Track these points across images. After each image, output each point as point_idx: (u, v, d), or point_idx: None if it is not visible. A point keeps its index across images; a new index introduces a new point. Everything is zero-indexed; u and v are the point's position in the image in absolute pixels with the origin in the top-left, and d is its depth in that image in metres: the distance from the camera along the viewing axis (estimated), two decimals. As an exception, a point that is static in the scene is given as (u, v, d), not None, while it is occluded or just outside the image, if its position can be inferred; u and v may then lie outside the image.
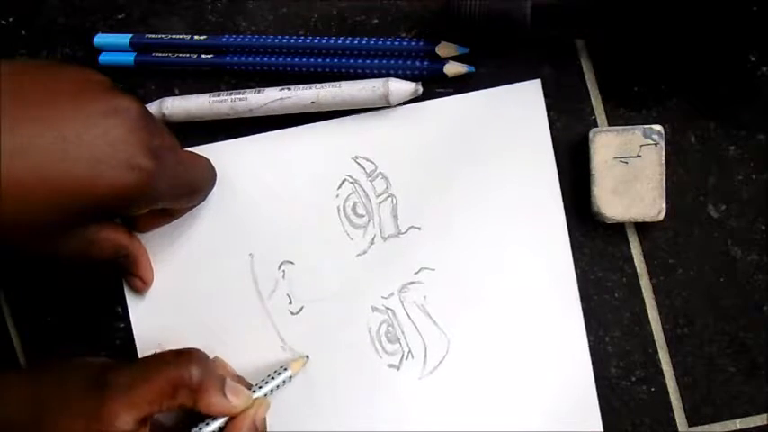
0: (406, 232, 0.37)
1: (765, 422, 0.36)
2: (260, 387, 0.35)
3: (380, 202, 0.37)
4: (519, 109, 0.37)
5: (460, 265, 0.37)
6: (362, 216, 0.37)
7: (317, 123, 0.37)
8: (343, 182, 0.37)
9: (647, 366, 0.37)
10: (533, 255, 0.37)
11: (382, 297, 0.37)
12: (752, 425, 0.36)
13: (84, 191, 0.28)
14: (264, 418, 0.34)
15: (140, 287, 0.37)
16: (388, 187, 0.37)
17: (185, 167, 0.34)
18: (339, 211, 0.37)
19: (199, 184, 0.35)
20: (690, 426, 0.37)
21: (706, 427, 0.37)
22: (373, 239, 0.37)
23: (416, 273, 0.37)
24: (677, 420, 0.37)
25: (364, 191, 0.37)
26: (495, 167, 0.37)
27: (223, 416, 0.32)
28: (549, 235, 0.37)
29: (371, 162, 0.37)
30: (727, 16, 0.34)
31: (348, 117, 0.37)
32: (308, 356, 0.37)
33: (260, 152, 0.38)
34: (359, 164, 0.37)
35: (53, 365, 0.32)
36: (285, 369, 0.36)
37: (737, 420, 0.37)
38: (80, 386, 0.30)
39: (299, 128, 0.38)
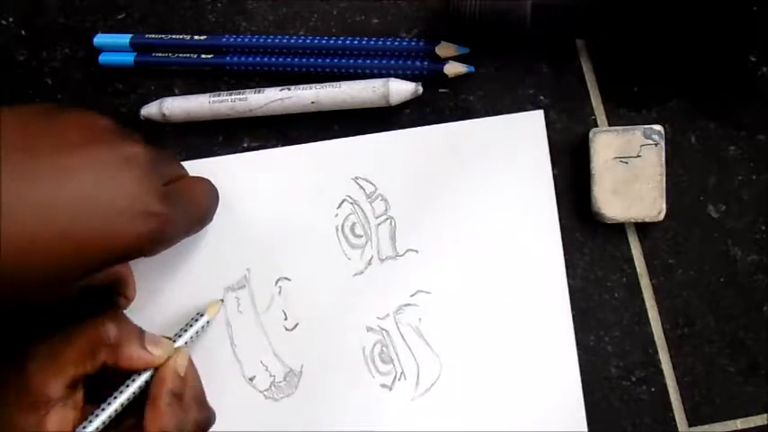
0: (403, 254, 0.37)
1: (765, 422, 0.36)
2: (179, 336, 0.35)
3: (379, 224, 0.37)
4: (520, 138, 0.37)
5: (456, 289, 0.37)
6: (361, 236, 0.37)
7: (319, 143, 0.37)
8: (343, 202, 0.37)
9: (647, 366, 0.37)
10: (529, 283, 0.37)
11: (377, 318, 0.37)
12: (752, 425, 0.36)
13: (104, 245, 0.27)
14: (189, 367, 0.34)
15: (124, 304, 0.37)
16: (387, 209, 0.37)
17: (194, 199, 0.34)
18: (338, 230, 0.37)
19: (206, 211, 0.35)
20: (690, 426, 0.37)
21: (706, 427, 0.37)
22: (370, 260, 0.37)
23: (412, 295, 0.37)
24: (677, 420, 0.37)
25: (363, 212, 0.37)
26: (494, 196, 0.37)
27: (147, 368, 0.32)
28: (545, 264, 0.37)
29: (372, 183, 0.37)
30: (727, 16, 0.34)
31: (350, 138, 0.37)
32: (222, 300, 0.37)
33: (261, 168, 0.38)
34: (359, 185, 0.37)
35: None
36: (201, 315, 0.36)
37: (737, 420, 0.37)
38: (2, 363, 0.30)
39: (300, 146, 0.38)
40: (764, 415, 0.36)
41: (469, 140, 0.37)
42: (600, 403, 0.37)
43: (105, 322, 0.32)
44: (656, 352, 0.37)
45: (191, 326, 0.35)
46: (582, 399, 0.36)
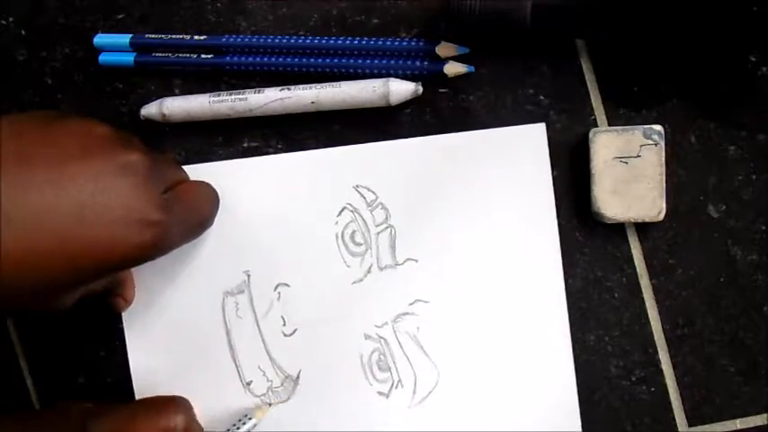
0: (402, 263, 0.37)
1: (765, 422, 0.36)
2: None
3: (379, 232, 0.37)
4: (522, 150, 0.37)
5: (455, 299, 0.37)
6: (360, 245, 0.37)
7: (321, 150, 0.37)
8: (344, 209, 0.37)
9: (647, 366, 0.37)
10: (527, 296, 0.37)
11: (376, 326, 0.37)
12: (752, 425, 0.37)
13: (103, 254, 0.27)
14: None
15: (123, 306, 0.37)
16: (387, 218, 0.37)
17: (193, 205, 0.34)
18: (338, 237, 0.37)
19: (206, 216, 0.35)
20: (690, 426, 0.37)
21: (706, 427, 0.37)
22: (370, 268, 0.37)
23: (411, 304, 0.37)
24: (677, 420, 0.37)
25: (364, 220, 0.37)
26: (495, 207, 0.37)
27: None
28: (544, 276, 0.37)
29: (372, 192, 0.37)
30: (727, 16, 0.34)
31: (351, 146, 0.37)
32: (270, 404, 0.37)
33: (263, 174, 0.38)
34: (360, 193, 0.37)
35: (37, 415, 0.31)
36: (249, 418, 0.36)
37: (737, 420, 0.37)
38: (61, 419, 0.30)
39: (302, 153, 0.38)
40: (764, 415, 0.36)
41: (471, 152, 0.37)
42: (600, 403, 0.37)
43: (178, 413, 0.32)
44: (656, 352, 0.37)
45: (237, 428, 0.35)
46: (576, 400, 0.36)
